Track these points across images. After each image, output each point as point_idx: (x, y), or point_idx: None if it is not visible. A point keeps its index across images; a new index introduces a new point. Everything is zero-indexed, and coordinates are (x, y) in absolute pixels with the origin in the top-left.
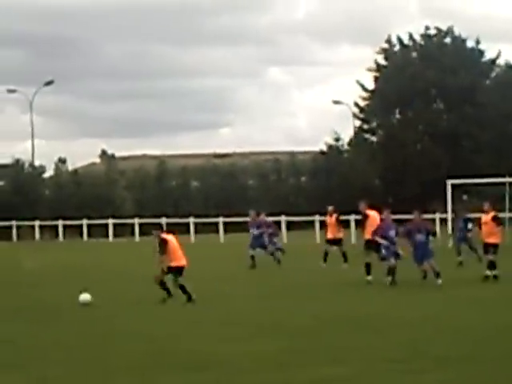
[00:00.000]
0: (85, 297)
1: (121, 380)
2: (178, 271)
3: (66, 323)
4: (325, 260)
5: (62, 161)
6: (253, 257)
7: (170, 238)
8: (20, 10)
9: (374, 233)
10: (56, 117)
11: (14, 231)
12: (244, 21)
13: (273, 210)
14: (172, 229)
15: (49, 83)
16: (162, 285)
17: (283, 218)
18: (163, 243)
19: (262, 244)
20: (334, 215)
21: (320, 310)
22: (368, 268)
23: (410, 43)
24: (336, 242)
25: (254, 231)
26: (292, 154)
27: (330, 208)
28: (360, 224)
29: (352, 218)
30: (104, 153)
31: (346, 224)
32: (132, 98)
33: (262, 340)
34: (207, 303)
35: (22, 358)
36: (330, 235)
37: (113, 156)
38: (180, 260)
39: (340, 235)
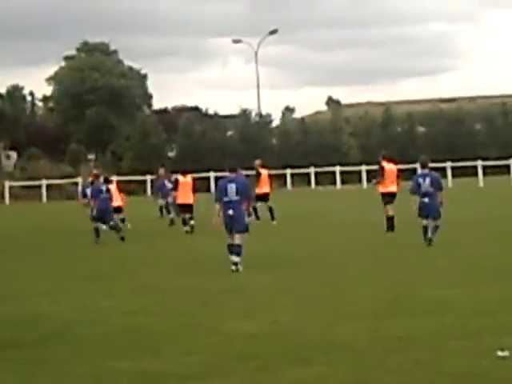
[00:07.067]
0: None
1: (351, 324)
2: None
3: (297, 270)
4: None
5: (290, 110)
6: None
7: None
8: None
9: None
10: (278, 66)
11: None
12: None
13: (501, 155)
14: None
15: (273, 32)
16: None
17: None
18: None
19: None
20: None
21: None
22: None
23: None
24: None
25: None
26: None
27: None
28: None
29: None
30: (330, 100)
31: None
32: (351, 45)
33: (492, 285)
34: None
35: (253, 305)
36: None
37: (338, 103)
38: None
39: None
